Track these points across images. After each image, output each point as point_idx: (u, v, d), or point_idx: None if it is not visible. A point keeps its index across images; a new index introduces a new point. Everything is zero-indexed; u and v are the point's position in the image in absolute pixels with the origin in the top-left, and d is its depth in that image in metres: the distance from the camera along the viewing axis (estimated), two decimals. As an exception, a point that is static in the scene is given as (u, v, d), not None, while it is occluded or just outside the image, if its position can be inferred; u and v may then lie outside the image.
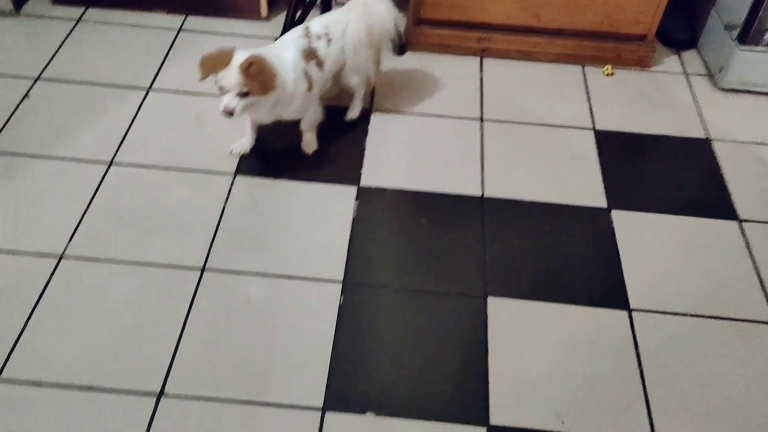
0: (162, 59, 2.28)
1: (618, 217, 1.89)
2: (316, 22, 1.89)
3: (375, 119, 2.14)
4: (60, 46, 2.30)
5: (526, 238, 1.83)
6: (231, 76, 1.63)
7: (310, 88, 1.85)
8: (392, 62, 2.33)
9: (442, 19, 2.33)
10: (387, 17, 1.92)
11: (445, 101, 2.21)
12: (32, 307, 1.59)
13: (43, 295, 1.61)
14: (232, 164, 1.96)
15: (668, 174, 2.04)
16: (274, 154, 2.01)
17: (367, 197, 1.90)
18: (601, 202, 1.93)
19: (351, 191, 1.92)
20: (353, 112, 2.10)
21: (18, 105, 2.08)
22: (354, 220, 1.84)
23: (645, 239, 1.84)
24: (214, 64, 1.65)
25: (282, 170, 1.95)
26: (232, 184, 1.91)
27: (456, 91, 2.25)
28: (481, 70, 2.34)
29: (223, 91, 1.66)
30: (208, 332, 1.57)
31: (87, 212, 1.80)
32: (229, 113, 1.66)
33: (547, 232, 1.85)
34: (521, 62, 2.38)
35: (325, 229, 1.81)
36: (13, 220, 1.77)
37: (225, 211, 1.83)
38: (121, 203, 1.83)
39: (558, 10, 2.27)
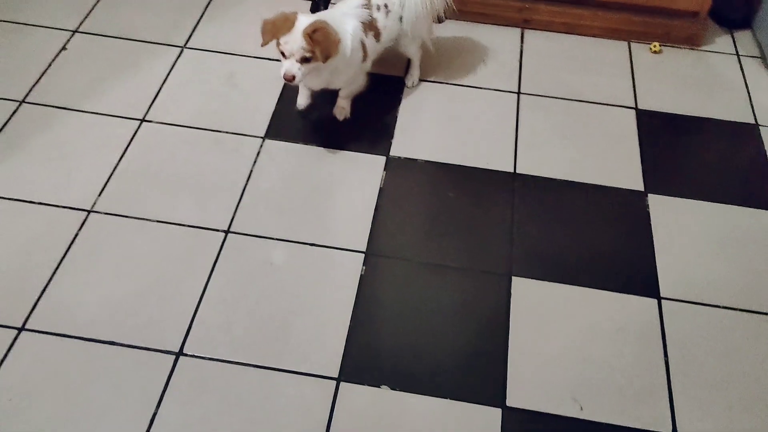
0: (198, 18, 2.26)
1: (654, 201, 1.83)
2: None
3: (409, 89, 2.09)
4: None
5: (557, 218, 1.78)
6: (295, 41, 1.61)
7: (364, 59, 1.83)
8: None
9: (483, -13, 2.26)
10: None
11: (482, 72, 2.15)
12: (59, 261, 1.61)
13: (71, 249, 1.63)
14: (262, 127, 1.94)
15: (711, 159, 1.96)
16: (305, 119, 1.98)
17: (396, 168, 1.87)
18: (637, 184, 1.87)
19: (380, 161, 1.89)
20: (413, 78, 2.09)
21: (56, 56, 2.09)
22: (381, 190, 1.82)
23: (681, 226, 1.78)
24: (277, 28, 1.63)
25: (311, 136, 1.93)
26: (261, 147, 1.90)
27: (494, 63, 2.19)
28: (522, 41, 2.27)
29: (285, 55, 1.64)
30: (229, 295, 1.58)
31: (117, 168, 1.81)
32: (290, 78, 1.64)
33: (579, 213, 1.80)
34: (564, 35, 2.30)
35: (351, 198, 1.80)
36: (45, 173, 1.79)
37: (252, 174, 1.83)
38: (151, 161, 1.84)
39: (606, -19, 2.19)
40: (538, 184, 1.86)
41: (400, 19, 1.88)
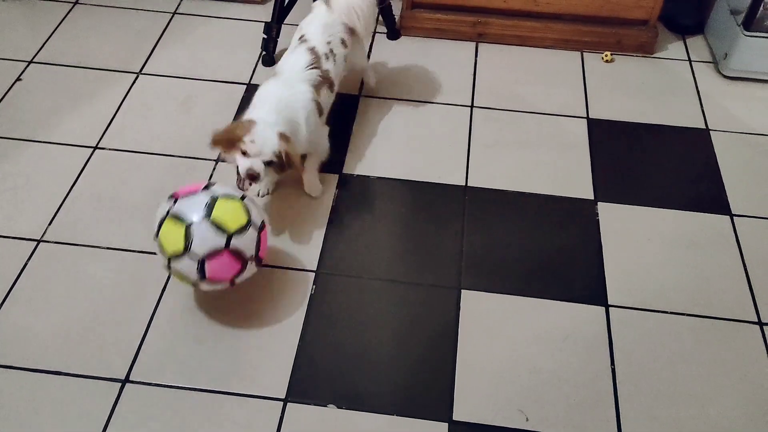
0: (155, 43, 2.28)
1: (604, 209, 1.85)
2: (315, 38, 1.78)
3: (363, 105, 2.11)
4: (56, 28, 2.32)
5: (507, 229, 1.79)
6: (265, 154, 1.54)
7: (321, 114, 1.77)
8: (385, 47, 2.29)
9: (437, 3, 2.28)
10: (367, 6, 1.86)
11: (436, 87, 2.17)
12: (6, 292, 1.61)
13: (19, 280, 1.64)
14: (214, 151, 1.95)
15: (661, 165, 1.97)
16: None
17: (349, 185, 1.88)
18: (587, 193, 1.88)
19: (332, 179, 1.90)
20: (370, 81, 2.13)
21: (10, 87, 2.10)
22: (333, 208, 1.83)
23: (630, 233, 1.79)
24: (236, 132, 1.55)
25: (264, 157, 1.94)
26: (213, 170, 1.91)
27: (448, 77, 2.21)
28: (476, 55, 2.29)
29: (247, 155, 1.55)
30: (178, 319, 1.58)
31: (68, 196, 1.82)
32: (255, 176, 1.56)
33: (529, 223, 1.81)
34: (518, 48, 2.32)
35: (303, 217, 1.80)
36: (-4, 204, 1.80)
37: (204, 197, 1.83)
38: (103, 188, 1.85)
39: (556, -7, 2.21)
40: (489, 197, 1.87)
41: (344, 58, 1.85)
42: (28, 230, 1.73)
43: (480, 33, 2.32)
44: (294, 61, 1.75)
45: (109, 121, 2.02)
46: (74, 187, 1.84)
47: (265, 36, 2.20)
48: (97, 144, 1.96)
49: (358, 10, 1.84)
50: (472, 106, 2.12)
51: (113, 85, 2.13)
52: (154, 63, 2.21)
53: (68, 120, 2.01)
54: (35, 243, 1.71)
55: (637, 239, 1.78)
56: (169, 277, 1.65)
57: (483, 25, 2.30)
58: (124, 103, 2.08)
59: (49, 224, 1.75)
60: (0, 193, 1.82)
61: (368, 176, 1.91)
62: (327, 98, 1.80)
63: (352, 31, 1.86)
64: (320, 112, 1.77)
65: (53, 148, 1.94)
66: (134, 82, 2.15)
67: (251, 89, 2.12)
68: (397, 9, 2.35)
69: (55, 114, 2.03)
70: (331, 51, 1.80)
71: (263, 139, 1.54)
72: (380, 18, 2.34)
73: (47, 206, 1.79)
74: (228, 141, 1.57)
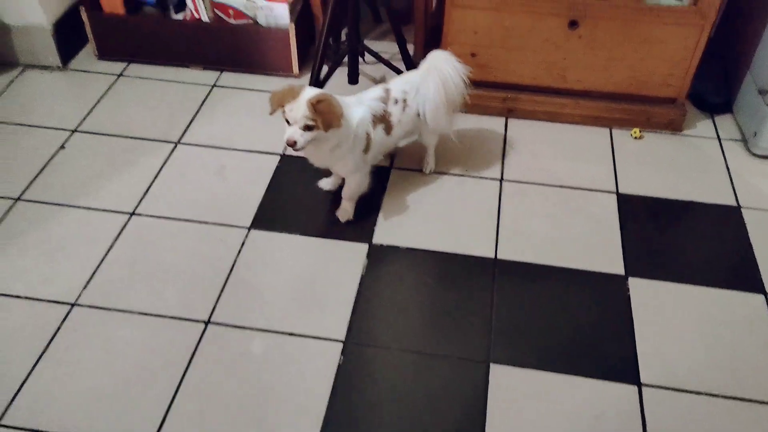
0: (194, 114, 2.36)
1: (635, 285, 1.83)
2: (396, 86, 1.93)
3: (394, 176, 2.15)
4: (100, 99, 2.42)
5: (537, 303, 1.78)
6: (299, 108, 1.67)
7: (366, 150, 1.87)
8: (416, 120, 2.35)
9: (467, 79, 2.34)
10: (459, 79, 1.93)
11: (466, 160, 2.20)
12: (39, 354, 1.63)
13: (52, 343, 1.66)
14: (248, 218, 1.99)
15: (693, 242, 1.96)
16: (290, 208, 2.03)
17: (378, 255, 1.90)
18: (618, 268, 1.87)
19: (362, 249, 1.92)
20: (429, 165, 2.16)
21: (54, 155, 2.18)
22: (362, 278, 1.84)
23: (663, 310, 1.77)
24: (283, 96, 1.70)
25: (296, 225, 1.97)
26: (246, 237, 1.94)
27: (478, 151, 2.24)
28: (506, 129, 2.33)
29: (289, 122, 1.71)
30: (204, 386, 1.58)
31: (104, 261, 1.86)
32: (292, 143, 1.70)
33: (559, 298, 1.80)
34: (547, 123, 2.36)
35: (333, 286, 1.81)
36: (34, 267, 1.84)
37: (236, 264, 1.86)
38: (137, 254, 1.88)
39: (585, 71, 2.26)
40: (519, 270, 1.87)
41: (418, 114, 1.95)
42: (64, 293, 1.77)
43: (510, 108, 2.37)
44: (367, 92, 1.91)
45: (146, 189, 2.08)
46: (110, 252, 1.88)
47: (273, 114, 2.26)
48: (134, 210, 2.01)
49: (433, 99, 1.92)
50: (501, 180, 2.14)
51: (152, 154, 2.20)
52: (192, 133, 2.29)
53: (107, 187, 2.08)
54: (69, 306, 1.74)
55: (669, 316, 1.75)
56: (198, 344, 1.66)
57: (513, 100, 2.35)
58: (161, 171, 2.14)
59: (84, 288, 1.78)
60: (39, 255, 1.87)
61: (398, 247, 1.93)
62: (380, 137, 1.90)
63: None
64: (368, 145, 1.86)
65: (92, 213, 1.99)
66: (172, 151, 2.22)
67: (284, 160, 2.19)
68: (428, 84, 2.41)
69: (95, 181, 2.09)
70: (404, 100, 1.92)
71: (297, 107, 1.67)
72: (412, 93, 2.40)
73: (83, 270, 1.83)
74: (277, 104, 1.72)
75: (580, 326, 1.73)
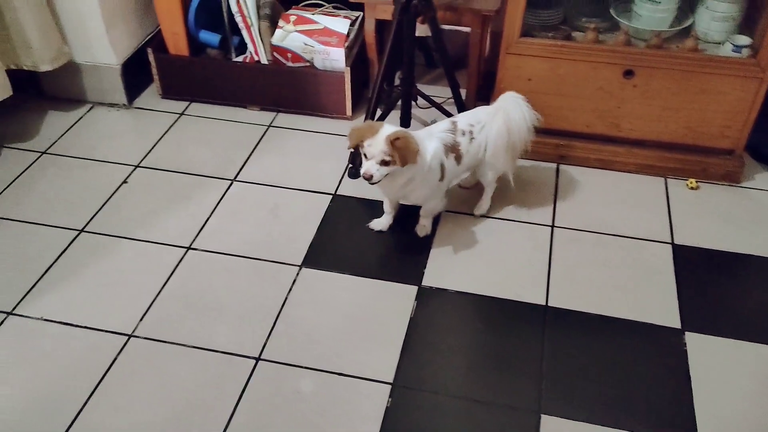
0: (250, 152, 2.43)
1: (692, 340, 1.78)
2: (463, 119, 2.02)
3: (444, 219, 2.16)
4: (162, 136, 2.51)
5: (589, 353, 1.75)
6: (377, 144, 1.76)
7: (441, 179, 1.95)
8: (467, 165, 2.36)
9: (519, 125, 2.35)
10: (525, 125, 2.00)
11: (517, 205, 2.20)
12: (96, 384, 1.67)
13: (108, 373, 1.70)
14: (300, 256, 2.02)
15: (753, 297, 1.91)
16: (341, 248, 2.06)
17: (428, 298, 1.90)
18: (674, 321, 1.83)
19: (412, 291, 1.92)
20: (481, 208, 2.17)
21: (116, 189, 2.26)
22: (411, 320, 1.84)
23: (721, 367, 1.72)
24: (363, 133, 1.80)
25: (346, 265, 1.99)
26: (297, 275, 1.96)
27: (529, 196, 2.24)
28: (557, 176, 2.33)
29: (367, 157, 1.79)
30: (254, 424, 1.59)
31: (160, 294, 1.90)
32: (369, 177, 1.78)
33: (613, 349, 1.76)
34: (600, 171, 2.35)
35: (382, 327, 1.82)
36: (93, 298, 1.89)
37: (287, 302, 1.88)
38: (192, 288, 1.92)
39: (639, 120, 2.25)
40: (571, 319, 1.84)
41: (485, 148, 2.01)
42: (122, 325, 1.81)
43: (562, 155, 2.36)
44: (435, 125, 2.00)
45: (202, 224, 2.13)
46: (166, 285, 1.93)
47: (353, 150, 2.31)
48: (190, 245, 2.06)
49: (496, 140, 2.00)
50: (553, 226, 2.13)
51: (209, 191, 2.26)
52: (247, 171, 2.35)
53: (166, 221, 2.14)
54: (126, 338, 1.78)
55: (728, 374, 1.70)
56: (248, 381, 1.68)
57: (565, 147, 2.35)
58: (217, 207, 2.20)
59: (141, 320, 1.83)
60: (98, 287, 1.92)
61: (447, 290, 1.93)
62: (452, 167, 1.98)
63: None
64: (442, 174, 1.93)
65: (150, 246, 2.05)
66: (228, 188, 2.27)
67: (336, 200, 2.22)
68: (480, 129, 2.43)
69: (155, 215, 2.16)
70: (470, 132, 1.99)
71: (375, 143, 1.75)
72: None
73: (140, 302, 1.87)
74: (357, 140, 1.81)
75: (634, 380, 1.69)
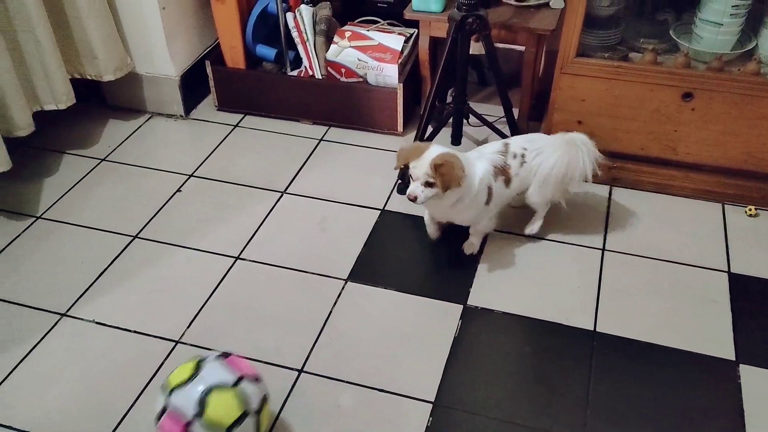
0: (300, 165, 2.46)
1: (747, 373, 1.72)
2: (517, 141, 2.00)
3: (491, 238, 2.14)
4: (216, 147, 2.56)
5: (637, 381, 1.70)
6: (421, 167, 1.77)
7: (488, 202, 1.93)
8: (517, 184, 2.34)
9: (572, 146, 2.32)
10: (584, 170, 1.95)
11: (566, 227, 2.17)
12: (143, 388, 1.70)
13: (155, 377, 1.73)
14: (346, 270, 2.03)
15: (813, 330, 1.83)
16: (387, 263, 2.06)
17: (472, 317, 1.88)
18: (728, 353, 1.77)
19: (457, 309, 1.91)
20: (532, 227, 2.12)
21: (170, 197, 2.32)
22: (455, 339, 1.82)
23: (777, 402, 1.65)
24: (409, 154, 1.81)
25: (392, 281, 1.99)
26: (342, 289, 1.97)
27: (580, 218, 2.20)
28: (610, 197, 2.28)
29: (412, 179, 1.80)
30: (294, 435, 1.60)
31: (208, 302, 1.94)
32: (413, 198, 1.79)
33: (662, 379, 1.71)
34: (654, 194, 2.29)
35: (425, 345, 1.81)
36: (144, 303, 1.94)
37: (331, 315, 1.89)
38: (239, 297, 1.95)
39: (696, 144, 2.19)
40: (619, 345, 1.80)
41: (534, 174, 1.97)
42: (170, 330, 1.85)
43: (615, 177, 2.32)
44: (487, 146, 1.99)
45: (252, 235, 2.16)
46: (214, 293, 1.96)
47: (403, 166, 2.31)
48: (239, 254, 2.09)
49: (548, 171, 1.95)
50: (603, 249, 2.09)
51: (259, 202, 2.29)
52: (297, 184, 2.38)
53: (216, 230, 2.18)
54: (174, 344, 1.81)
55: (785, 410, 1.63)
56: (290, 392, 1.69)
57: (618, 169, 2.30)
58: (267, 219, 2.23)
59: (188, 327, 1.86)
60: (149, 293, 1.97)
61: (493, 310, 1.90)
62: (500, 189, 1.95)
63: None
64: (489, 197, 1.92)
65: (200, 255, 2.09)
66: (278, 200, 2.30)
67: (384, 215, 2.23)
68: (531, 149, 2.41)
69: (206, 224, 2.20)
70: (522, 156, 1.96)
71: (420, 165, 1.76)
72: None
73: (189, 309, 1.91)
74: (403, 161, 1.83)
75: (683, 412, 1.63)
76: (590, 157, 1.95)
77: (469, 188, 1.85)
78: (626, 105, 2.17)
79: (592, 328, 1.84)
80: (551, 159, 1.93)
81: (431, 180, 1.76)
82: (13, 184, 2.34)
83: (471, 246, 2.08)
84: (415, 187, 1.79)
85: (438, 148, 1.80)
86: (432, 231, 2.11)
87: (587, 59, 2.14)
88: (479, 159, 1.91)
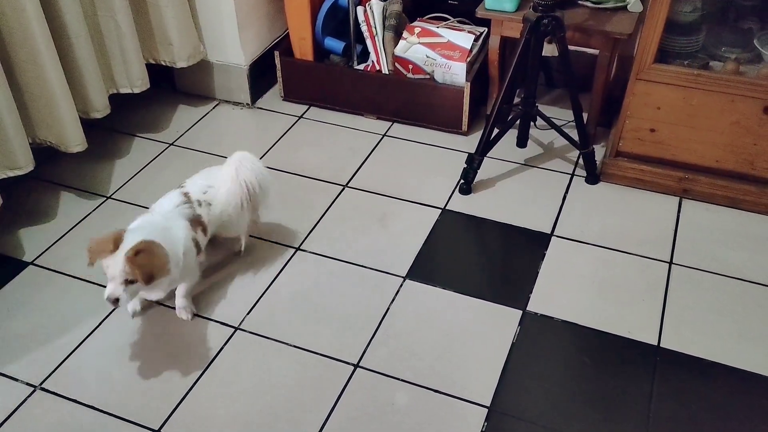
0: (363, 160, 2.46)
1: (820, 400, 1.64)
2: (195, 185, 1.86)
3: (554, 244, 2.10)
4: (280, 137, 2.58)
5: (701, 402, 1.65)
6: (116, 264, 1.54)
7: (198, 254, 1.82)
8: (582, 191, 2.29)
9: (642, 155, 2.25)
10: (256, 179, 1.88)
11: (633, 237, 2.11)
12: (202, 372, 1.74)
13: (214, 361, 1.76)
14: (405, 267, 2.02)
15: None
16: (446, 263, 2.04)
17: (531, 324, 1.85)
18: (800, 379, 1.70)
19: (515, 315, 1.88)
20: (240, 246, 2.02)
21: (234, 185, 2.35)
22: (513, 345, 1.80)
23: None
24: (101, 249, 1.57)
25: (451, 281, 1.97)
26: (401, 286, 1.97)
27: (647, 229, 2.14)
28: (679, 210, 2.21)
29: (109, 279, 1.57)
30: (347, 430, 1.60)
31: (268, 290, 1.96)
32: (114, 301, 1.56)
33: (728, 400, 1.65)
34: (727, 209, 2.21)
35: (482, 349, 1.79)
36: (207, 289, 1.97)
37: (389, 311, 1.89)
38: (298, 287, 1.97)
39: (776, 157, 2.11)
40: (684, 363, 1.74)
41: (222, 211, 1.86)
42: (231, 316, 1.88)
43: (685, 189, 2.25)
44: (164, 201, 1.81)
45: (312, 227, 2.17)
46: (274, 283, 1.98)
47: (466, 166, 2.29)
48: (299, 246, 2.10)
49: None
50: (670, 263, 2.03)
51: (321, 194, 2.30)
52: (359, 178, 2.38)
53: (277, 220, 2.20)
54: (233, 329, 1.84)
55: None
56: (345, 387, 1.69)
57: (690, 181, 2.23)
58: (328, 211, 2.24)
59: (248, 313, 1.89)
60: (209, 279, 2.00)
61: (552, 317, 1.87)
62: (202, 239, 1.82)
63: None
64: (198, 250, 1.80)
65: (263, 244, 2.12)
66: (340, 193, 2.31)
67: (446, 214, 2.21)
68: (599, 154, 2.36)
69: (267, 213, 2.22)
70: (206, 201, 1.83)
71: (114, 264, 1.54)
72: (581, 161, 2.36)
73: (249, 297, 1.93)
74: (94, 259, 1.58)
75: (750, 436, 1.58)
76: (258, 166, 1.89)
77: (177, 264, 1.66)
78: (704, 115, 2.09)
79: (656, 343, 1.79)
80: (222, 196, 1.85)
81: (130, 277, 1.54)
82: (86, 164, 2.41)
83: (187, 309, 1.87)
84: (113, 288, 1.54)
85: (132, 235, 1.59)
86: (132, 307, 1.88)
87: (665, 66, 2.07)
88: (172, 221, 1.73)
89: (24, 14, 1.93)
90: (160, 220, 1.74)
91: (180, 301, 1.87)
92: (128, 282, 1.56)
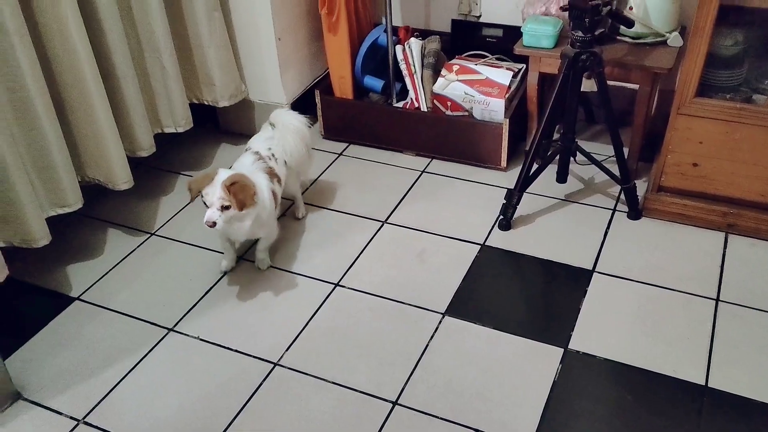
0: (402, 196, 2.47)
1: None
2: (259, 146, 2.13)
3: (596, 281, 2.07)
4: (320, 174, 2.62)
5: (753, 446, 1.59)
6: (214, 192, 1.82)
7: (276, 206, 2.08)
8: (625, 227, 2.26)
9: (685, 189, 2.22)
10: (303, 127, 2.20)
11: (677, 273, 2.07)
12: (241, 407, 1.74)
13: (253, 398, 1.77)
14: (444, 304, 2.01)
15: None
16: (486, 300, 2.03)
17: (573, 362, 1.82)
18: None
19: (557, 352, 1.85)
20: (301, 211, 2.37)
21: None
22: (554, 383, 1.76)
23: None
24: (200, 182, 1.87)
25: (490, 318, 1.96)
26: (440, 323, 1.96)
27: (691, 265, 2.10)
28: (725, 246, 2.16)
29: (207, 205, 1.85)
30: (386, 468, 1.59)
31: (307, 326, 1.97)
32: (212, 224, 1.83)
33: (781, 444, 1.59)
34: (774, 244, 2.16)
35: (523, 387, 1.76)
36: (246, 323, 1.99)
37: (428, 348, 1.88)
38: (337, 323, 1.97)
39: (826, 194, 2.05)
40: (732, 404, 1.68)
41: (285, 163, 2.14)
42: (269, 352, 1.89)
43: (730, 224, 2.20)
44: (242, 160, 2.10)
45: (351, 263, 2.19)
46: (313, 318, 1.99)
47: (506, 202, 2.28)
48: (338, 281, 2.12)
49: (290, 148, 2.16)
50: (717, 300, 1.97)
51: (361, 230, 2.32)
52: (398, 214, 2.39)
53: (317, 256, 2.22)
54: (272, 365, 1.85)
55: None
56: (383, 425, 1.68)
57: (735, 216, 2.18)
58: (367, 247, 2.25)
59: (287, 350, 1.89)
60: (251, 313, 2.02)
61: (595, 356, 1.83)
62: (278, 190, 2.10)
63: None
64: (276, 202, 2.06)
65: (301, 279, 2.13)
66: (379, 229, 2.32)
67: (485, 250, 2.20)
68: (641, 189, 2.33)
69: (307, 249, 2.25)
70: (273, 155, 2.12)
71: (213, 191, 1.82)
72: (622, 196, 2.33)
73: (288, 332, 1.95)
74: (196, 191, 1.87)
75: (806, 483, 1.51)
76: (298, 116, 2.20)
77: (263, 201, 1.94)
78: (747, 149, 2.06)
79: (704, 383, 1.74)
80: (287, 135, 2.14)
81: (226, 203, 1.81)
82: (132, 201, 2.48)
83: (263, 262, 2.15)
84: (211, 213, 1.82)
85: (225, 172, 1.87)
86: (229, 260, 2.15)
87: (707, 100, 2.05)
88: (254, 172, 1.99)
89: (75, 55, 2.01)
90: (246, 170, 2.01)
91: (260, 253, 2.14)
92: (224, 208, 1.83)
